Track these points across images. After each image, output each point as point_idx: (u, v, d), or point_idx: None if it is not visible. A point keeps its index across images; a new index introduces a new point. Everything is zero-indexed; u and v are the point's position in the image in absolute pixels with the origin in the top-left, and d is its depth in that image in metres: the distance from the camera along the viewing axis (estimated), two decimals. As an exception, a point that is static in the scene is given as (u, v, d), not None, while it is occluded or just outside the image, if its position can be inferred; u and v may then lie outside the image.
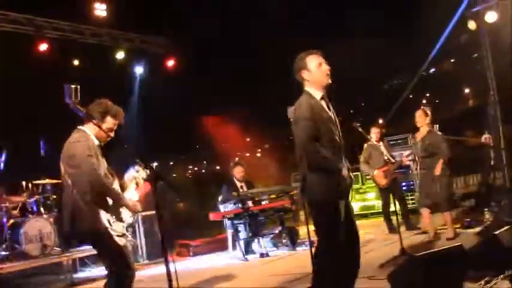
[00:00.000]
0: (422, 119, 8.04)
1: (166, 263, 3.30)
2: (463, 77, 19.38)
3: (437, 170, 7.77)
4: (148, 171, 3.40)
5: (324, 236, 4.25)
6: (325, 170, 4.14)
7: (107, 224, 4.21)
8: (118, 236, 4.26)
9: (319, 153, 4.10)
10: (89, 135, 4.31)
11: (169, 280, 3.26)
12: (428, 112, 8.12)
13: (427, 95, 24.48)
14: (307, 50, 4.33)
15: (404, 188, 11.58)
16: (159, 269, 8.10)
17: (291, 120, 5.22)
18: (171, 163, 13.84)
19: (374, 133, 9.11)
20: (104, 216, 4.21)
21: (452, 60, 21.11)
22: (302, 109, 4.18)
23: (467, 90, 23.42)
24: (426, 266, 4.55)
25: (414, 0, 12.99)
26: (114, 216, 4.28)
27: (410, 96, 21.93)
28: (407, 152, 10.13)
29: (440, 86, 22.13)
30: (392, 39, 14.88)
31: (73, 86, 3.70)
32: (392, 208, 9.66)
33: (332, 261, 4.19)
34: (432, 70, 21.90)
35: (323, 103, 4.28)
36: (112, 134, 4.40)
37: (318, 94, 4.28)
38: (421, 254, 4.78)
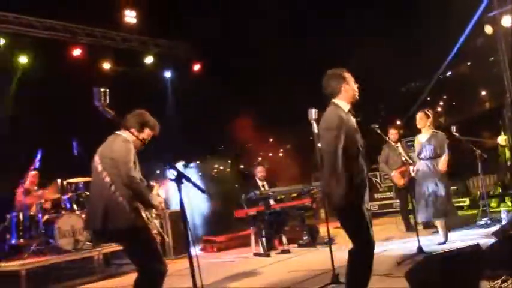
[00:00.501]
0: (423, 120, 7.70)
1: (190, 259, 3.27)
2: (480, 80, 19.09)
3: (444, 166, 7.52)
4: (174, 172, 3.38)
5: (354, 237, 4.32)
6: (349, 178, 4.19)
7: (146, 220, 4.21)
8: (154, 232, 4.27)
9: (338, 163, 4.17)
10: (129, 140, 4.32)
11: (193, 275, 3.23)
12: (430, 114, 7.81)
13: (444, 97, 24.16)
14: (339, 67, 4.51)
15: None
16: (184, 264, 8.09)
17: (311, 121, 5.27)
18: (198, 162, 13.85)
19: (392, 134, 9.01)
20: (143, 213, 4.22)
21: (468, 64, 20.78)
22: (333, 119, 4.28)
23: (483, 93, 23.03)
24: (443, 264, 4.46)
25: (431, 5, 12.80)
26: (149, 213, 4.29)
27: (428, 98, 21.69)
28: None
29: (457, 89, 21.83)
30: (409, 43, 14.69)
31: (102, 89, 3.69)
32: (410, 207, 9.59)
33: (363, 261, 4.30)
34: (449, 73, 21.59)
35: (350, 116, 4.41)
36: (145, 143, 4.47)
37: (346, 107, 4.41)
38: (438, 252, 4.69)
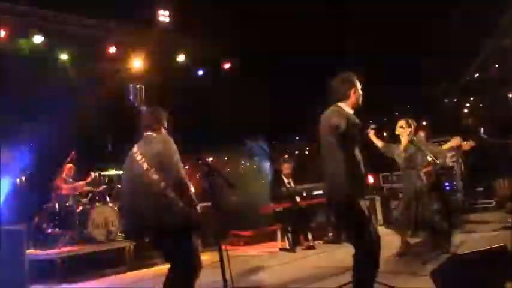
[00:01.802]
0: (404, 127, 7.09)
1: (220, 252, 3.30)
2: (509, 82, 18.70)
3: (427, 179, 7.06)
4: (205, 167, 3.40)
5: (357, 234, 4.33)
6: (354, 173, 4.28)
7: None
8: None
9: (355, 158, 4.30)
10: (171, 140, 4.28)
11: (223, 268, 3.25)
12: (411, 122, 7.12)
13: (471, 99, 23.74)
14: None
15: (447, 188, 11.27)
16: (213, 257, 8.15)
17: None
18: (226, 158, 13.87)
19: (420, 135, 8.84)
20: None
21: (496, 66, 20.36)
22: (342, 117, 4.29)
23: (510, 95, 22.53)
24: (470, 264, 4.40)
25: (455, 6, 12.57)
26: None
27: (455, 100, 21.35)
28: (451, 153, 9.88)
29: (483, 91, 21.40)
30: (433, 46, 14.46)
31: (138, 86, 3.74)
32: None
33: (368, 259, 4.29)
34: (476, 75, 21.19)
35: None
36: None
37: (350, 112, 4.47)
38: (465, 252, 4.63)
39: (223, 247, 3.43)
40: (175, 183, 4.11)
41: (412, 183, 6.93)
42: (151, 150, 4.22)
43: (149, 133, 4.40)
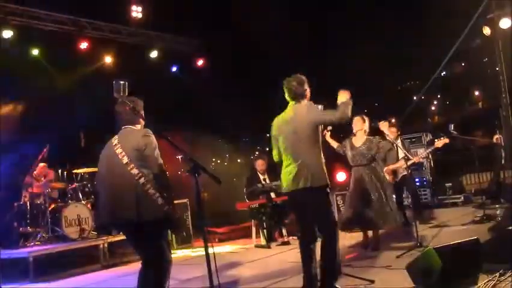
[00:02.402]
0: (359, 124, 7.16)
1: (206, 249, 3.31)
2: (474, 80, 19.16)
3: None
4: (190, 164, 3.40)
5: (330, 215, 5.04)
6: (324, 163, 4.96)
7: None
8: None
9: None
10: (151, 133, 4.24)
11: (209, 264, 3.27)
12: (366, 119, 7.24)
13: (438, 96, 24.24)
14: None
15: (417, 183, 11.53)
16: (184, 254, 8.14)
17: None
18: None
19: (390, 132, 8.97)
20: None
21: (463, 64, 20.83)
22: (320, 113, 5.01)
23: (477, 93, 23.12)
24: (444, 257, 4.52)
25: (428, 5, 12.81)
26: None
27: (422, 97, 21.74)
28: (421, 150, 10.09)
29: (451, 89, 21.88)
30: (405, 43, 14.68)
31: (122, 82, 3.69)
32: (405, 203, 9.67)
33: (336, 240, 5.01)
34: (443, 73, 21.62)
35: None
36: None
37: None
38: (439, 246, 4.74)
39: (209, 244, 3.41)
40: (156, 178, 4.09)
41: (368, 177, 7.03)
42: (131, 143, 4.16)
43: (128, 126, 4.33)
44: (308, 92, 5.03)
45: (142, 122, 4.37)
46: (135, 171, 4.06)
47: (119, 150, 4.17)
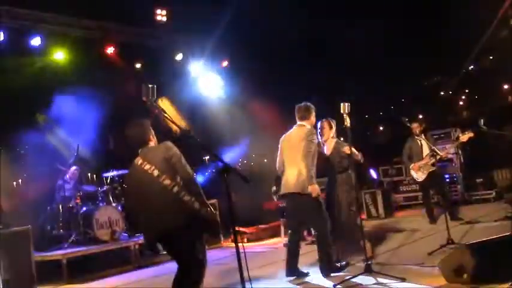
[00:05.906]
0: (326, 130, 6.90)
1: (237, 249, 3.34)
2: (503, 74, 18.78)
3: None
4: (219, 164, 3.42)
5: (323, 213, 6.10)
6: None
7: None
8: None
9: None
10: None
11: (240, 265, 3.30)
12: (333, 124, 6.91)
13: (466, 91, 23.82)
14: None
15: (447, 179, 11.39)
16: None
17: (344, 115, 5.38)
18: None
19: (414, 127, 8.81)
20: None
21: (491, 57, 20.44)
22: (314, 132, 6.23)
23: (506, 86, 22.64)
24: (477, 254, 4.48)
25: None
26: None
27: (450, 92, 21.41)
28: (449, 145, 9.97)
29: (479, 83, 21.49)
30: (431, 37, 14.51)
31: (150, 86, 3.75)
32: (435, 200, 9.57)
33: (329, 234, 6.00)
34: (471, 67, 21.26)
35: None
36: None
37: None
38: (472, 242, 4.70)
39: (240, 244, 3.44)
40: (187, 185, 4.14)
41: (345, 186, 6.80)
42: (158, 157, 4.21)
43: (146, 146, 4.37)
44: (313, 117, 6.28)
45: (154, 139, 4.42)
46: (167, 181, 4.11)
47: (147, 167, 4.20)
